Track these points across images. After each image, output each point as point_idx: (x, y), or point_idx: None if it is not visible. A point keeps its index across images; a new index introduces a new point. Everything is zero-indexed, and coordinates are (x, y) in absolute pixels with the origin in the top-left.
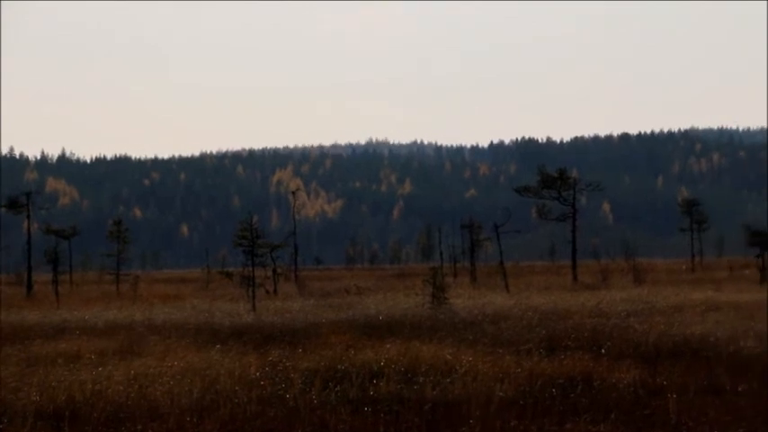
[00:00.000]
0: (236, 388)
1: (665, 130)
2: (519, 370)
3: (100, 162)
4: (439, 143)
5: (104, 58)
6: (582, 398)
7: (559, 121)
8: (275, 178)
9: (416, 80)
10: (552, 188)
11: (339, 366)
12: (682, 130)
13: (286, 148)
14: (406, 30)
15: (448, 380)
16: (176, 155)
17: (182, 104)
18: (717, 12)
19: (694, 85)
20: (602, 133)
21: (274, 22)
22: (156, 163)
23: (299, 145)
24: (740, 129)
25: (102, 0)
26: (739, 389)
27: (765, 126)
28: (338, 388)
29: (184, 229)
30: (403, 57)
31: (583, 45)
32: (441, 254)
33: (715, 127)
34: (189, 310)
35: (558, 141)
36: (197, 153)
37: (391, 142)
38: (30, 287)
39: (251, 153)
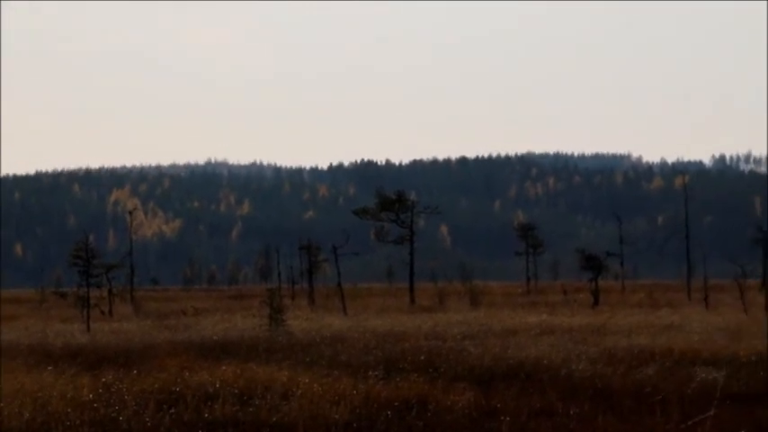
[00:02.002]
0: (69, 410)
1: (503, 155)
2: (355, 392)
3: None
4: (278, 164)
5: None
6: (417, 420)
7: (399, 145)
8: (112, 198)
9: (255, 101)
10: (390, 210)
11: (174, 388)
12: (518, 154)
13: (123, 168)
14: (244, 51)
15: (284, 402)
16: (10, 173)
17: (16, 123)
18: (536, 35)
19: (532, 111)
20: (441, 157)
21: (119, 46)
22: None
23: (137, 164)
24: (575, 154)
25: None
26: (571, 411)
27: (599, 152)
28: (173, 410)
29: (18, 248)
30: (242, 78)
31: (415, 68)
32: (279, 275)
33: (551, 152)
34: (22, 331)
35: (397, 164)
36: (32, 171)
37: (230, 162)
38: None
39: (87, 172)
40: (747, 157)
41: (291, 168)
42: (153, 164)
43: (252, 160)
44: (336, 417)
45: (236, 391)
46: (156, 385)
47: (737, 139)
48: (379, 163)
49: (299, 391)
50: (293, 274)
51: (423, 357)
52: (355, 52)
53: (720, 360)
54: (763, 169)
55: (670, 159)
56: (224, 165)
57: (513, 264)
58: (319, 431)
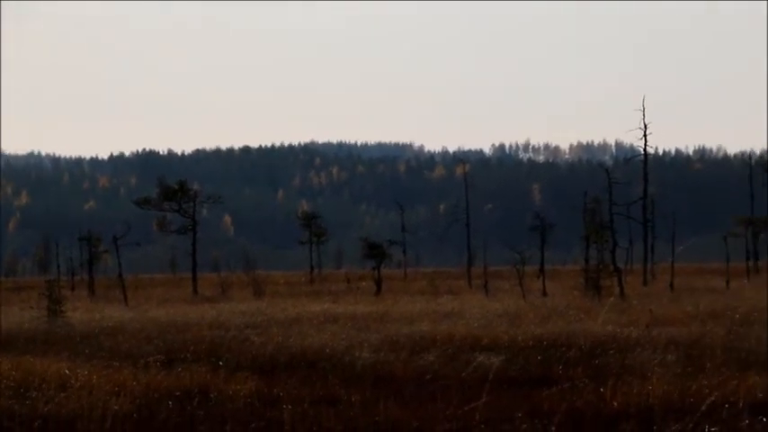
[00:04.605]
0: None
1: (286, 144)
2: (136, 383)
3: None
4: (57, 154)
5: None
6: (199, 410)
7: (181, 134)
8: None
9: (31, 91)
10: (173, 200)
11: None
12: (302, 143)
13: None
14: (16, 39)
15: (63, 394)
16: None
17: None
18: (322, 27)
19: (314, 100)
20: (224, 146)
21: None
22: None
23: None
24: (358, 143)
25: None
26: (353, 399)
27: (382, 141)
28: None
29: None
30: (16, 67)
31: (196, 57)
32: (58, 267)
33: (334, 141)
34: None
35: (180, 154)
36: None
37: (7, 152)
38: None
39: None
40: (526, 146)
41: (71, 159)
42: None
43: (29, 150)
44: (116, 408)
45: (13, 383)
46: None
47: (516, 128)
48: (161, 153)
49: (78, 383)
50: (73, 266)
51: (205, 347)
52: (137, 42)
53: (499, 345)
54: (541, 158)
55: (451, 148)
56: None
57: (297, 253)
58: (98, 422)
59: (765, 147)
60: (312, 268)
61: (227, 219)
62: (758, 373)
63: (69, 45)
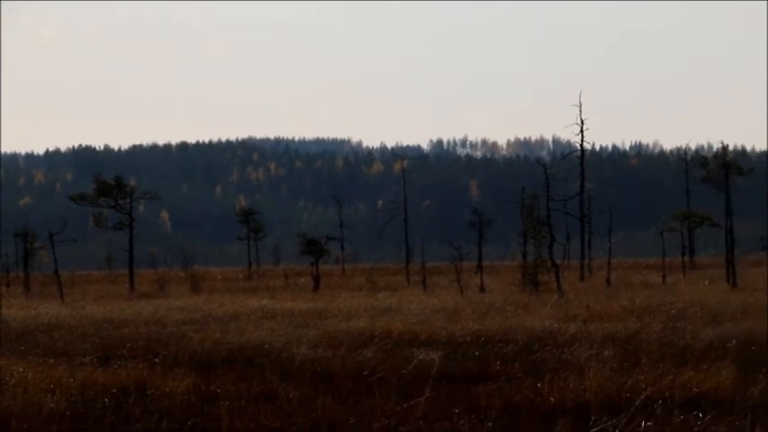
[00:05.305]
0: None
1: (224, 140)
2: (72, 381)
3: None
4: None
5: None
6: (135, 407)
7: (118, 130)
8: None
9: None
10: (109, 196)
11: None
12: (240, 139)
13: None
14: None
15: None
16: None
17: None
18: (254, 23)
19: (252, 96)
20: (161, 142)
21: None
22: None
23: None
24: (296, 139)
25: None
26: (291, 395)
27: (320, 136)
28: None
29: None
30: None
31: (136, 53)
32: None
33: (272, 137)
34: None
35: (117, 149)
36: None
37: None
38: None
39: None
40: (464, 142)
41: (6, 154)
42: None
43: None
44: (52, 405)
45: None
46: None
47: (454, 124)
48: (97, 148)
49: (13, 381)
50: (8, 262)
51: (142, 344)
52: (71, 36)
53: (437, 341)
54: (478, 153)
55: (389, 144)
56: None
57: (235, 249)
58: (33, 420)
59: (700, 142)
60: (250, 264)
61: (165, 215)
62: (693, 368)
63: (3, 40)
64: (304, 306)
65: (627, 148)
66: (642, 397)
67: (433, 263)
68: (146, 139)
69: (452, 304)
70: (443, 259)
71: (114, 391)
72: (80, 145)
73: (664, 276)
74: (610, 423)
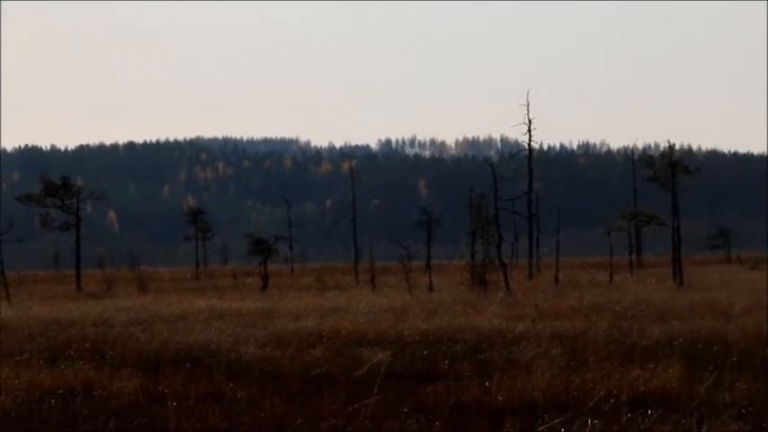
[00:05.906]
0: None
1: (171, 139)
2: (17, 382)
3: None
4: None
5: None
6: (82, 408)
7: (64, 129)
8: None
9: None
10: (56, 196)
11: None
12: (187, 139)
13: None
14: None
15: None
16: None
17: None
18: (206, 24)
19: (199, 95)
20: (108, 141)
21: None
22: None
23: None
24: (244, 138)
25: None
26: (239, 395)
27: (268, 136)
28: None
29: None
30: None
31: (77, 51)
32: None
33: (220, 136)
34: None
35: (63, 149)
36: None
37: None
38: None
39: None
40: (412, 142)
41: None
42: None
43: None
44: None
45: None
46: None
47: (403, 123)
48: (43, 148)
49: None
50: None
51: (89, 344)
52: (19, 36)
53: (386, 340)
54: (427, 153)
55: (338, 144)
56: None
57: (183, 249)
58: None
59: (647, 142)
60: (198, 264)
61: (112, 215)
62: (640, 366)
63: None
64: (252, 306)
65: (575, 147)
66: (591, 396)
67: (381, 262)
68: (93, 139)
69: (401, 304)
70: (392, 259)
71: (61, 391)
72: (26, 145)
73: (611, 275)
74: (558, 421)
